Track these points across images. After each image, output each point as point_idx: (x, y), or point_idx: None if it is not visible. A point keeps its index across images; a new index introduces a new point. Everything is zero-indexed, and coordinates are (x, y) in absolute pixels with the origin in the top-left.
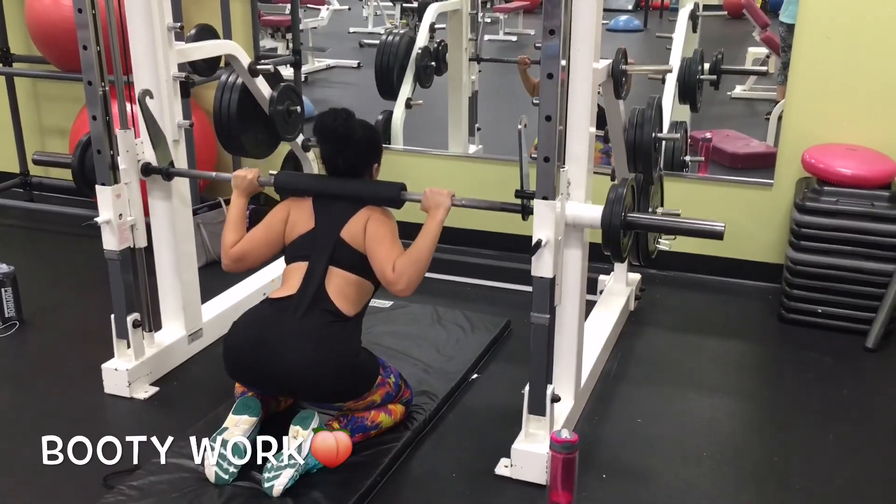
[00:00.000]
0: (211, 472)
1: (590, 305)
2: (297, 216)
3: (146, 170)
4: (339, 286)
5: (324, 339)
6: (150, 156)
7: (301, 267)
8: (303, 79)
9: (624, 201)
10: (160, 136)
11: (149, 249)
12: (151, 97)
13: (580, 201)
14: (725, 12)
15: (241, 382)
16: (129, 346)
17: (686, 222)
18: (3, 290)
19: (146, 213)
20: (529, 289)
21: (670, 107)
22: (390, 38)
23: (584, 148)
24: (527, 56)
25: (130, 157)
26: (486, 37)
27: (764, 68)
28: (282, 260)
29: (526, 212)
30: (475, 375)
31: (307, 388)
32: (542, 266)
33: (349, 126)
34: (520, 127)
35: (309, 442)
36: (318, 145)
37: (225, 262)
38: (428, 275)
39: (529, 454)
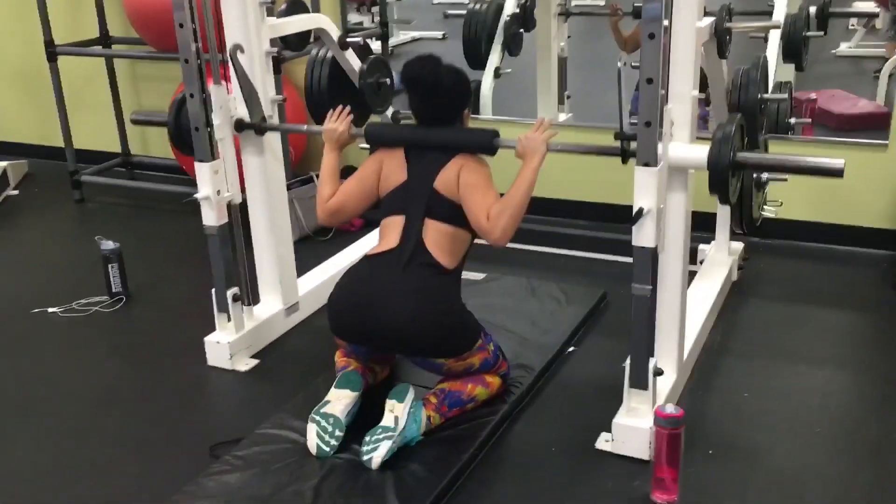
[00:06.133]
0: (313, 444)
1: (691, 276)
2: (390, 168)
3: (239, 125)
4: (436, 238)
5: (426, 292)
6: (243, 112)
7: (397, 221)
8: (389, 52)
9: (732, 140)
10: (252, 92)
11: (245, 224)
12: (243, 51)
13: (684, 142)
14: None
15: (346, 339)
16: (229, 320)
17: (802, 160)
18: (109, 266)
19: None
20: (626, 259)
21: (774, 65)
22: (478, 6)
23: (688, 86)
24: (618, 5)
25: (224, 113)
26: (574, 2)
27: (876, 10)
28: (374, 234)
29: (626, 154)
30: (572, 348)
31: (410, 342)
32: (643, 235)
33: (436, 73)
34: (619, 64)
35: (405, 414)
36: (406, 94)
37: (321, 215)
38: (521, 246)
39: (631, 429)
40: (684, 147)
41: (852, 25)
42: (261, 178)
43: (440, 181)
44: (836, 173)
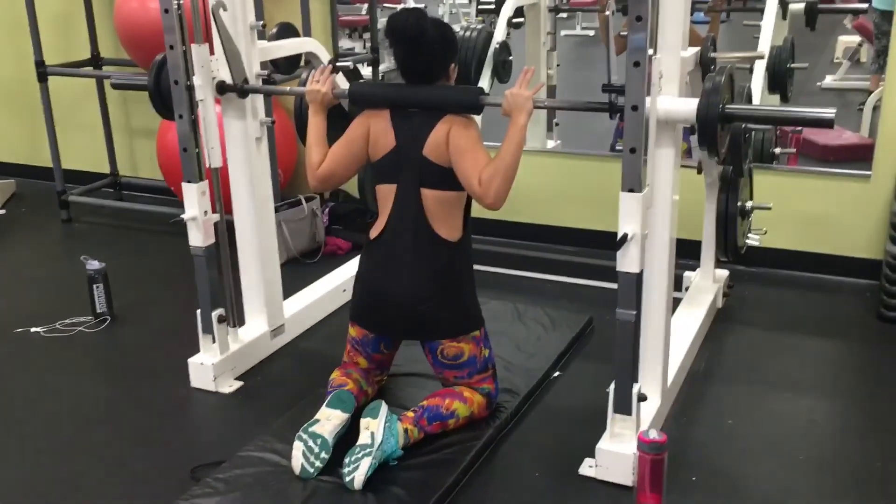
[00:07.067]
0: (297, 463)
1: (676, 303)
2: (378, 130)
3: (221, 87)
4: (435, 209)
5: (432, 264)
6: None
7: (390, 191)
8: (380, 77)
9: (721, 91)
10: (235, 53)
11: (232, 246)
12: (225, 9)
13: (673, 95)
14: None
15: (362, 322)
16: (214, 341)
17: (793, 111)
18: (94, 285)
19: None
20: (612, 285)
21: (759, 96)
22: (467, 33)
23: (678, 36)
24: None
25: (205, 73)
26: (563, 32)
27: (864, 6)
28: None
29: (614, 109)
30: (557, 373)
31: (415, 312)
32: (627, 261)
33: (421, 25)
34: (607, 13)
35: (381, 429)
36: (391, 49)
37: (312, 182)
38: (507, 271)
39: (615, 454)
40: (673, 100)
41: (837, 59)
42: (243, 144)
43: (429, 147)
44: (827, 123)
